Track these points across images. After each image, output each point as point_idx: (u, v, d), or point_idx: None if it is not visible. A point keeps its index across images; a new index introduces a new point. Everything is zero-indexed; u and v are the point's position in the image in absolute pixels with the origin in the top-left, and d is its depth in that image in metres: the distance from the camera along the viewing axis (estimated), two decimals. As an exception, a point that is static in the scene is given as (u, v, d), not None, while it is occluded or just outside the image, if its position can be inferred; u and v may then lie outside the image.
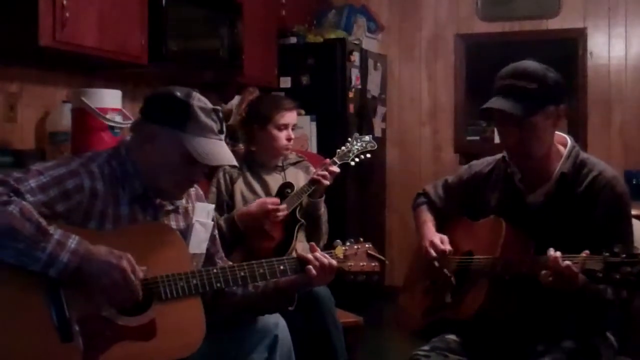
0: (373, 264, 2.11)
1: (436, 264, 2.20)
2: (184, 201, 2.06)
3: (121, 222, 1.90)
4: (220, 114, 1.95)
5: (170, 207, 2.02)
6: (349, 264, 2.08)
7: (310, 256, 2.02)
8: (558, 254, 1.88)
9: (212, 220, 2.11)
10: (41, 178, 1.80)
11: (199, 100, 1.91)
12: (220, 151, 1.92)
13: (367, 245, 2.13)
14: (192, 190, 2.11)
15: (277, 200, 2.87)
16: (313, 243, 2.16)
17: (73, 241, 1.75)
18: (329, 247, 2.13)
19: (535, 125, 2.02)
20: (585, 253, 1.88)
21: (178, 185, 1.96)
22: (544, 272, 1.90)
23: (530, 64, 2.07)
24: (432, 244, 2.22)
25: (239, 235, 2.87)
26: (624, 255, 1.78)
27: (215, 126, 1.91)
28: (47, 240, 1.71)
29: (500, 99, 2.04)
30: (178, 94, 1.90)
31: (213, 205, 2.15)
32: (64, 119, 3.52)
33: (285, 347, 2.05)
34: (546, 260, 1.90)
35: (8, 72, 3.51)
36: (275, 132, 2.97)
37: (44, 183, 1.80)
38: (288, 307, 2.13)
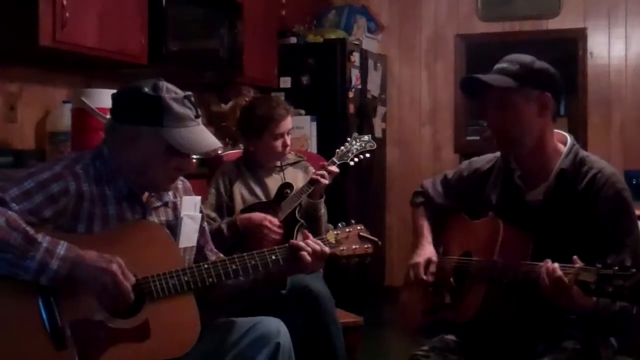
0: (366, 246, 2.10)
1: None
2: (171, 196, 2.04)
3: (110, 221, 1.88)
4: (192, 99, 1.92)
5: (158, 203, 2.01)
6: (341, 248, 2.07)
7: (302, 243, 2.01)
8: (556, 264, 1.85)
9: (200, 212, 2.10)
10: (25, 184, 1.77)
11: (169, 91, 1.87)
12: (202, 137, 1.91)
13: (358, 228, 2.11)
14: (180, 184, 2.09)
15: (276, 221, 2.87)
16: (306, 231, 2.16)
17: (62, 248, 1.72)
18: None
19: (515, 106, 2.02)
20: (575, 260, 1.85)
21: (168, 178, 1.94)
22: (542, 278, 1.87)
23: (527, 55, 2.10)
24: (416, 267, 2.23)
25: (240, 237, 2.87)
26: (616, 268, 1.75)
27: (191, 113, 1.89)
28: (36, 248, 1.70)
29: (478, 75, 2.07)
30: (146, 89, 1.85)
31: (199, 197, 2.12)
32: (64, 119, 3.52)
33: (287, 354, 2.01)
34: (541, 269, 1.88)
35: (8, 72, 3.51)
36: (271, 141, 2.95)
37: (28, 189, 1.77)
38: (280, 291, 2.12)
